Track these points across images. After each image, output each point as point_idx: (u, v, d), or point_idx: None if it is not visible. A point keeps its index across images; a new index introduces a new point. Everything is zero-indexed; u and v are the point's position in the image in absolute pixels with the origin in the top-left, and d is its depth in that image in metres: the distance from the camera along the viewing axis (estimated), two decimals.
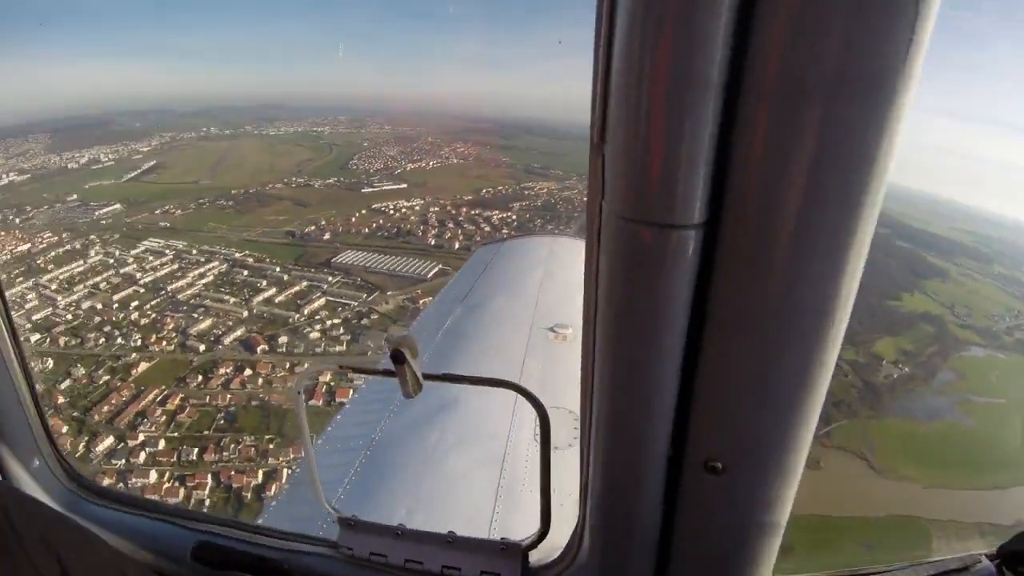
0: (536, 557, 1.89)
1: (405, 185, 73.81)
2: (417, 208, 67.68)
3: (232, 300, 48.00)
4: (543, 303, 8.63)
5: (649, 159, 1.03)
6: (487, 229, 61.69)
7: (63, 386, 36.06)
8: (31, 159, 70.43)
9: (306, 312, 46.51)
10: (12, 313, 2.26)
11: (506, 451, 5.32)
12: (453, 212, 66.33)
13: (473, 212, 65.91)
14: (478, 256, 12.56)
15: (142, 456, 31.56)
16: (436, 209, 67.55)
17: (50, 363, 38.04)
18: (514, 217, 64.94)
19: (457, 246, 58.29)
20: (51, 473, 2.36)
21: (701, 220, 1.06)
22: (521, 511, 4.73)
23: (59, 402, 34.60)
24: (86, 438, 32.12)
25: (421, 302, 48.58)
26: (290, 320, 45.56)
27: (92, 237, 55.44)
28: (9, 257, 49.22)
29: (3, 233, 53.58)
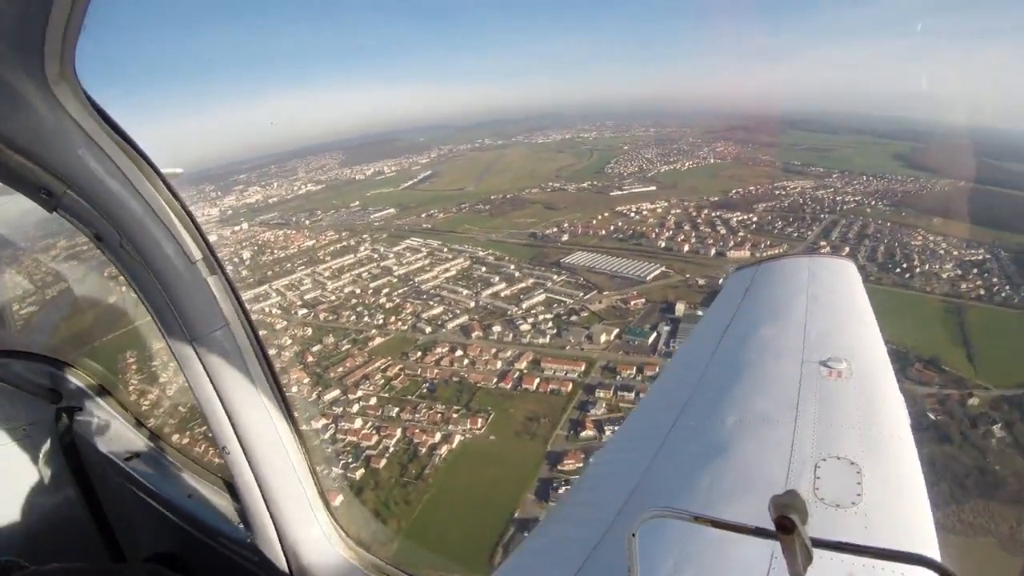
0: None
1: (654, 187, 75.04)
2: (659, 210, 68.45)
3: (465, 292, 54.74)
4: (811, 333, 7.26)
5: None
6: (723, 232, 61.58)
7: (314, 349, 46.30)
8: (326, 172, 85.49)
9: (524, 306, 51.39)
10: (293, 408, 2.62)
11: None
12: (693, 214, 66.00)
13: (714, 214, 65.10)
14: (734, 281, 10.60)
15: (355, 407, 39.66)
16: (677, 211, 67.67)
17: (308, 331, 48.83)
18: (755, 219, 63.33)
19: (687, 249, 59.08)
20: (327, 540, 2.63)
21: None
22: None
23: (308, 360, 44.76)
24: (319, 388, 41.36)
25: (633, 303, 51.40)
26: (508, 312, 50.86)
27: (365, 236, 66.63)
28: (296, 250, 62.17)
29: (295, 232, 67.15)
